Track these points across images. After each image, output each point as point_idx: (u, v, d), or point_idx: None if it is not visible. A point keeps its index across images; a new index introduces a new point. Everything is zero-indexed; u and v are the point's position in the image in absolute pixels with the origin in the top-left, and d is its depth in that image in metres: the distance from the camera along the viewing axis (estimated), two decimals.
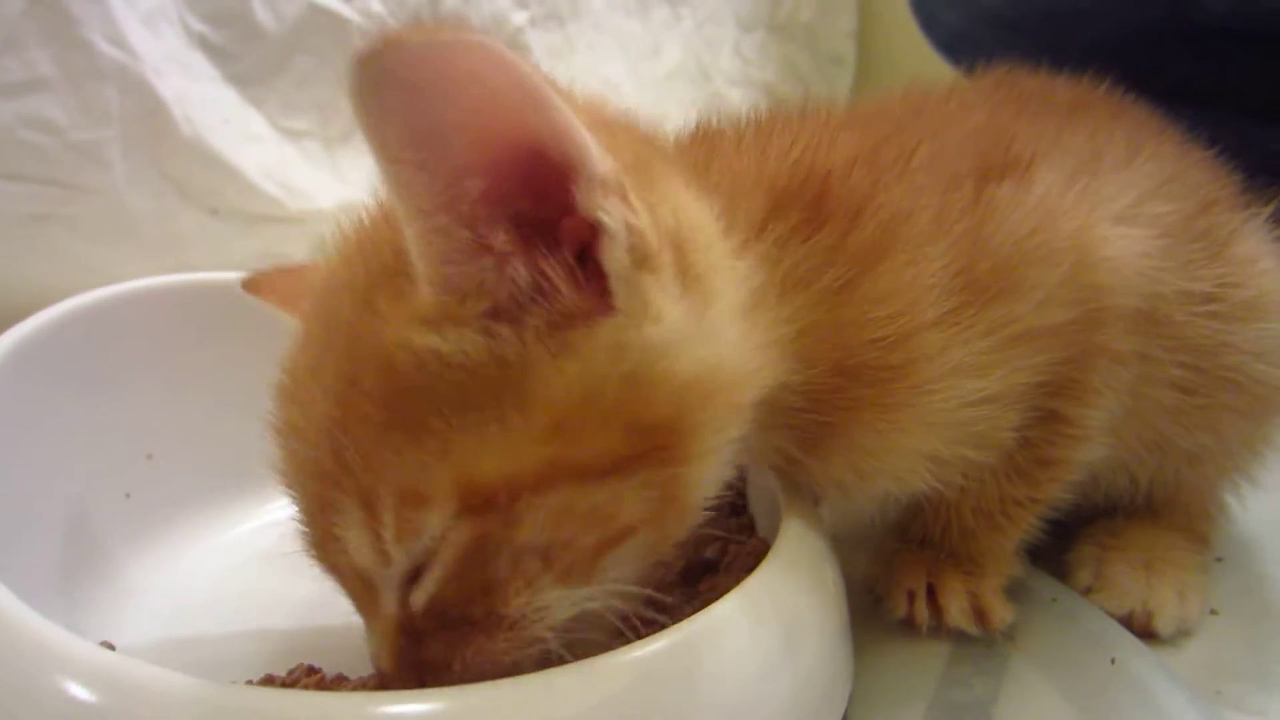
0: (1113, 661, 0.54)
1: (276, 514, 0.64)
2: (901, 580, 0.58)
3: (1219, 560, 0.68)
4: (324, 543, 0.41)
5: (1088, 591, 0.62)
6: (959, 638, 0.57)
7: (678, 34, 1.68)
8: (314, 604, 0.54)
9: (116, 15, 0.96)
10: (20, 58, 0.93)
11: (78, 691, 0.35)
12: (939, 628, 0.57)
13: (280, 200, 1.12)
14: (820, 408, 0.47)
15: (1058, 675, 0.55)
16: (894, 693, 0.53)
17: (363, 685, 0.46)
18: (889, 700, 0.53)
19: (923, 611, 0.57)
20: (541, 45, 1.46)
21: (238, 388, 0.62)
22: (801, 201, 0.46)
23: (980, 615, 0.57)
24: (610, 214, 0.36)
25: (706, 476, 0.42)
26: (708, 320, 0.41)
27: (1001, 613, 0.57)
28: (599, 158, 0.36)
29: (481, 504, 0.37)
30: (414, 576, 0.39)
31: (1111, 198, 0.54)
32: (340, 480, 0.38)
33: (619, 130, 0.42)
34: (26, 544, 0.50)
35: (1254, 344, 0.59)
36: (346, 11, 1.18)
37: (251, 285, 0.55)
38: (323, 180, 1.20)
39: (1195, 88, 1.06)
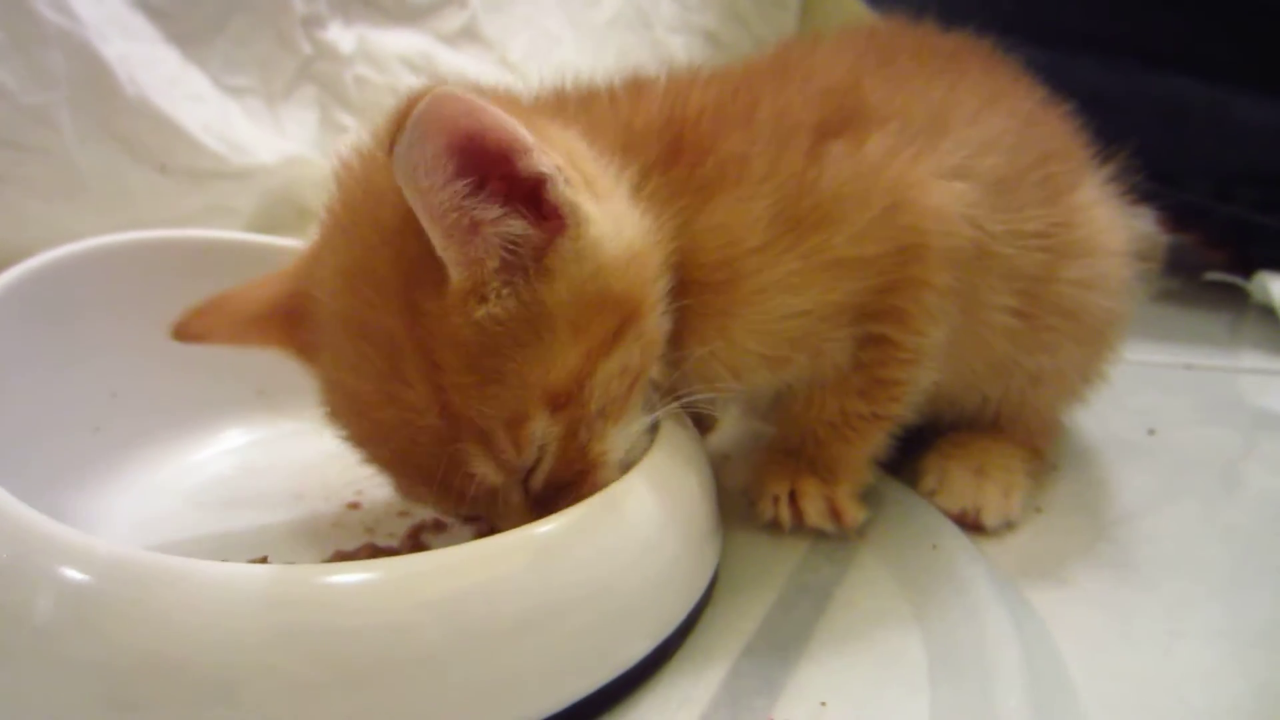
0: (934, 547, 0.64)
1: (229, 443, 0.76)
2: (768, 486, 0.66)
3: (1055, 469, 0.78)
4: (450, 488, 0.51)
5: (931, 494, 0.71)
6: (817, 535, 0.67)
7: None
8: (263, 516, 0.66)
9: None
10: None
11: (75, 573, 0.43)
12: (800, 527, 0.66)
13: (225, 156, 1.16)
14: (679, 316, 0.57)
15: (891, 561, 0.65)
16: (755, 578, 0.63)
17: None
18: (750, 584, 0.63)
19: (785, 513, 0.65)
20: None
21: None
22: (660, 142, 0.56)
23: (836, 515, 0.66)
24: (544, 165, 0.48)
25: (657, 320, 0.55)
26: (612, 213, 0.52)
27: (854, 513, 0.66)
28: (525, 135, 0.48)
29: (563, 401, 0.50)
30: (530, 471, 0.52)
31: (946, 153, 0.61)
32: (459, 435, 0.49)
33: (518, 107, 0.55)
34: (8, 472, 0.57)
35: (1082, 277, 0.68)
36: None
37: (185, 334, 0.60)
38: (265, 136, 1.24)
39: (1090, 35, 1.14)
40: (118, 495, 0.66)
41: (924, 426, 0.73)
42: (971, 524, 0.69)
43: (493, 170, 0.47)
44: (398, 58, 1.46)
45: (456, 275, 0.48)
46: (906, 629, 0.58)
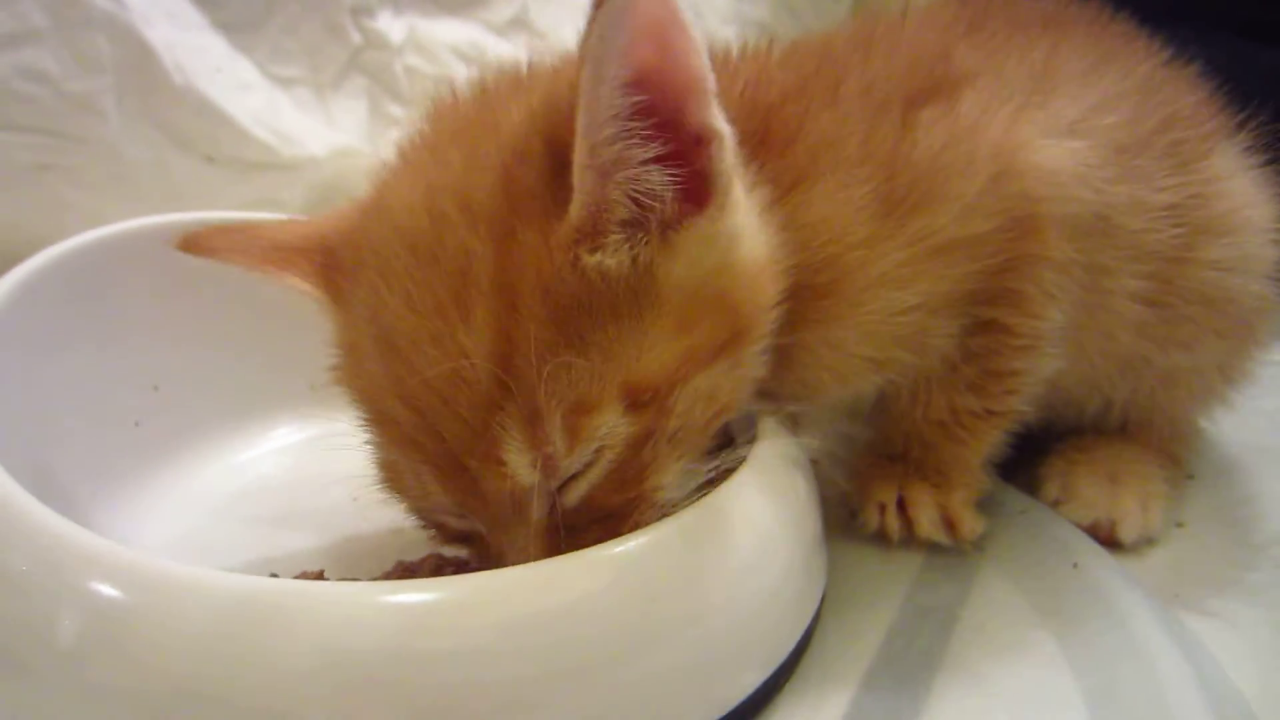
0: (1074, 566, 0.56)
1: (278, 442, 0.70)
2: (873, 494, 0.61)
3: (1190, 478, 0.70)
4: (461, 477, 0.43)
5: (1056, 504, 0.64)
6: (931, 548, 0.60)
7: None
8: (315, 522, 0.61)
9: None
10: (10, 9, 0.93)
11: (106, 588, 0.37)
12: (911, 539, 0.60)
13: (273, 147, 1.12)
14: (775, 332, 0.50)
15: (1022, 580, 0.57)
16: (866, 596, 0.56)
17: None
18: (861, 603, 0.56)
19: (893, 522, 0.60)
20: None
21: (237, 323, 0.66)
22: (744, 131, 0.48)
23: (950, 526, 0.59)
24: (720, 121, 0.42)
25: (757, 355, 0.48)
26: (750, 211, 0.46)
27: (971, 523, 0.59)
28: (712, 78, 0.41)
29: (644, 400, 0.42)
30: (569, 480, 0.43)
31: (1055, 110, 0.54)
32: (503, 406, 0.41)
33: None
34: (39, 470, 0.52)
35: (1224, 258, 0.60)
36: None
37: (190, 246, 0.52)
38: (314, 127, 1.20)
39: (1190, 7, 1.06)
40: (158, 497, 0.60)
41: (1038, 433, 0.66)
42: (1104, 538, 0.62)
43: (663, 104, 0.40)
44: (448, 48, 1.42)
45: (578, 210, 0.41)
46: (1051, 661, 0.50)
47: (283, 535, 0.58)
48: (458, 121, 0.48)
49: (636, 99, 0.39)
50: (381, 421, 0.46)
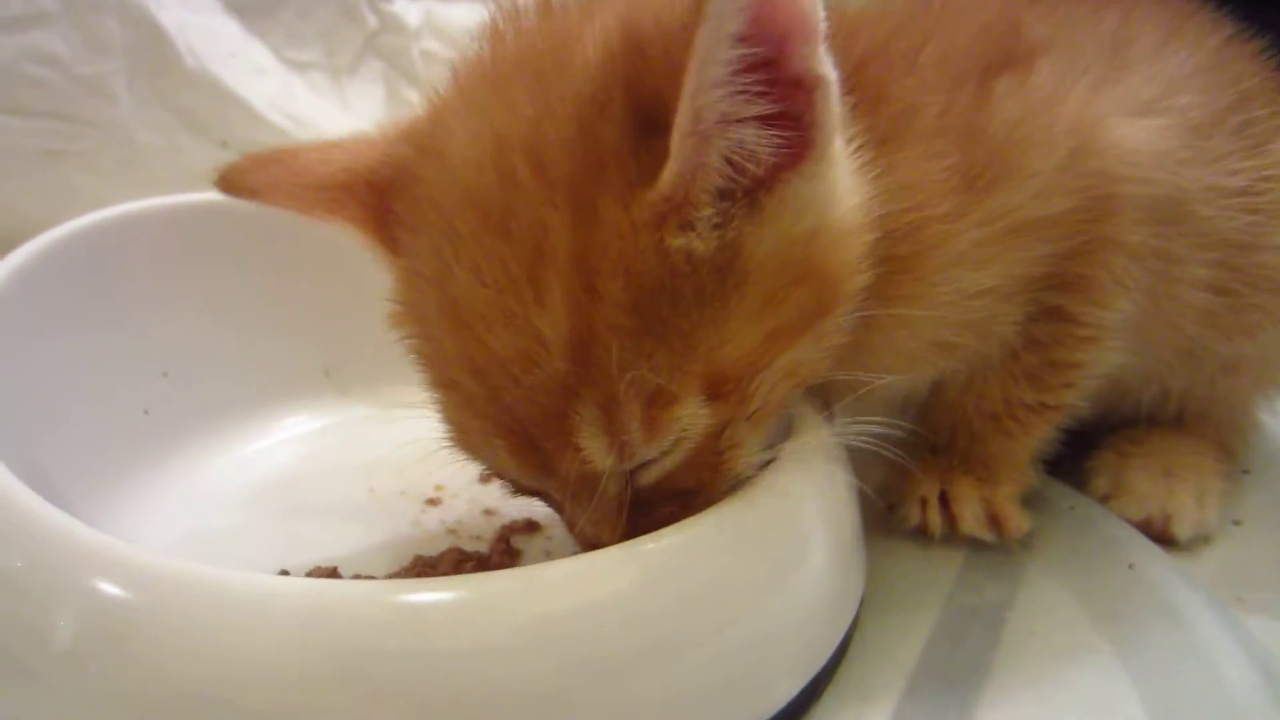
0: (1130, 566, 0.53)
1: (293, 430, 0.67)
2: (914, 487, 0.58)
3: (1246, 473, 0.67)
4: (536, 455, 0.40)
5: (1105, 499, 0.61)
6: (973, 546, 0.57)
7: None
8: (330, 514, 0.58)
9: None
10: None
11: (110, 586, 0.35)
12: (953, 536, 0.57)
13: (289, 132, 1.09)
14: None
15: (1073, 581, 0.54)
16: (907, 597, 0.53)
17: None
18: (902, 604, 0.52)
19: (935, 518, 0.57)
20: None
21: (250, 306, 0.64)
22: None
23: (995, 522, 0.56)
24: (826, 65, 0.38)
25: (840, 324, 0.44)
26: (847, 166, 0.43)
27: (1017, 520, 0.56)
28: (821, 18, 0.37)
29: (725, 390, 0.40)
30: (645, 463, 0.41)
31: (1131, 87, 0.52)
32: (580, 392, 0.38)
33: None
34: (46, 458, 0.50)
35: None
36: None
37: (229, 184, 0.47)
38: (330, 111, 1.18)
39: None
40: (166, 488, 0.58)
41: (1087, 427, 0.62)
42: (1157, 534, 0.58)
43: (769, 50, 0.36)
44: (466, 32, 1.40)
45: (671, 179, 0.37)
46: (1109, 668, 0.47)
47: (295, 529, 0.56)
48: (522, 51, 0.43)
49: (748, 51, 0.35)
50: (450, 387, 0.42)
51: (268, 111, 1.09)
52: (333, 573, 0.47)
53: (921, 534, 0.57)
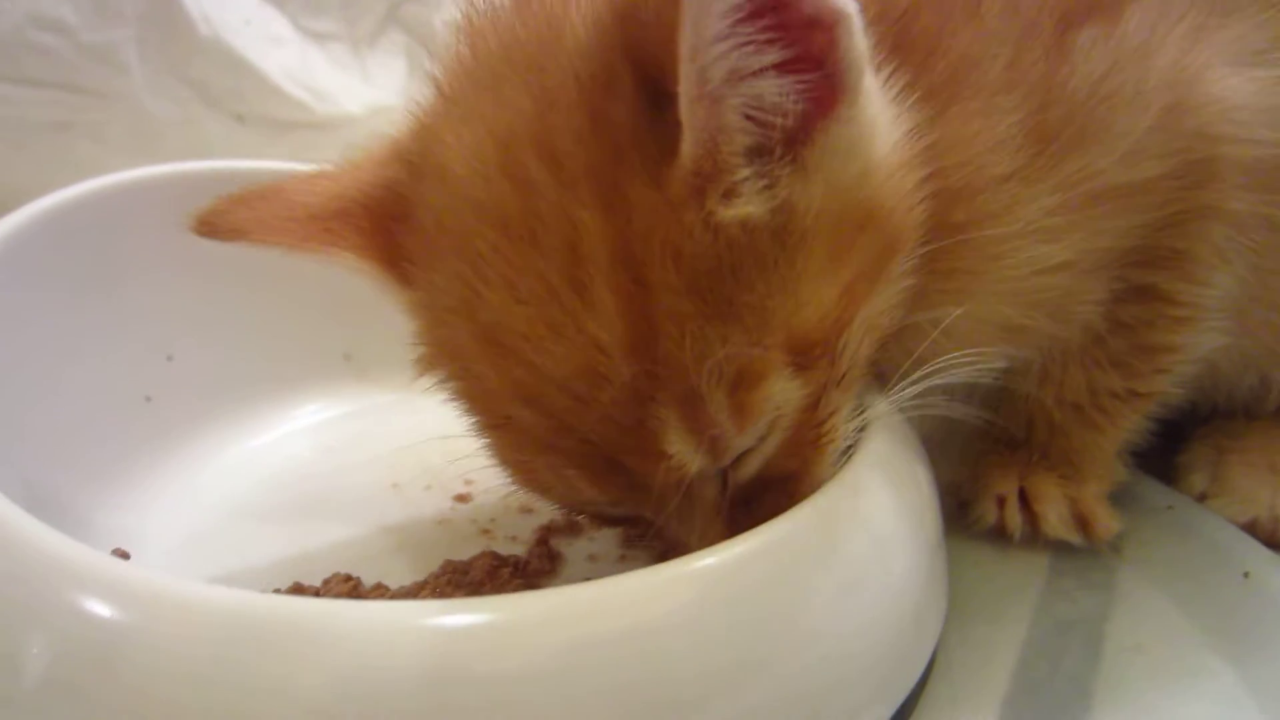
0: (1245, 575, 0.47)
1: (308, 419, 0.63)
2: (990, 484, 0.54)
3: None
4: (618, 477, 0.37)
5: (1202, 498, 0.56)
6: (1057, 549, 0.52)
7: None
8: (349, 513, 0.54)
9: None
10: None
11: (93, 606, 0.31)
12: (1034, 537, 0.52)
13: (308, 104, 1.08)
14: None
15: (1176, 589, 0.49)
16: (990, 608, 0.48)
17: (404, 595, 0.42)
18: (985, 615, 0.47)
19: (1015, 518, 0.52)
20: None
21: (263, 283, 0.59)
22: (876, 37, 0.41)
23: (1082, 523, 0.52)
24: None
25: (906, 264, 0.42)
26: (884, 98, 0.40)
27: (1107, 520, 0.52)
28: None
29: (813, 356, 0.37)
30: (740, 456, 0.38)
31: (1237, 34, 0.46)
32: (655, 395, 0.35)
33: None
34: (39, 447, 0.47)
35: None
36: None
37: (209, 228, 0.43)
38: (350, 84, 1.15)
39: None
40: (169, 483, 0.53)
41: (1178, 417, 0.57)
42: (1265, 538, 0.53)
43: None
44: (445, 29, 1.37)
45: (692, 149, 0.33)
46: (1230, 693, 0.42)
47: (311, 529, 0.51)
48: (506, 44, 0.39)
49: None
50: (503, 426, 0.39)
51: (285, 83, 1.06)
52: (352, 584, 0.42)
53: (998, 535, 0.53)
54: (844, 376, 0.39)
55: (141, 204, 0.56)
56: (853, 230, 0.37)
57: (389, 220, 0.42)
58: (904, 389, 0.43)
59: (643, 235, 0.34)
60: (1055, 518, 0.52)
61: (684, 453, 0.36)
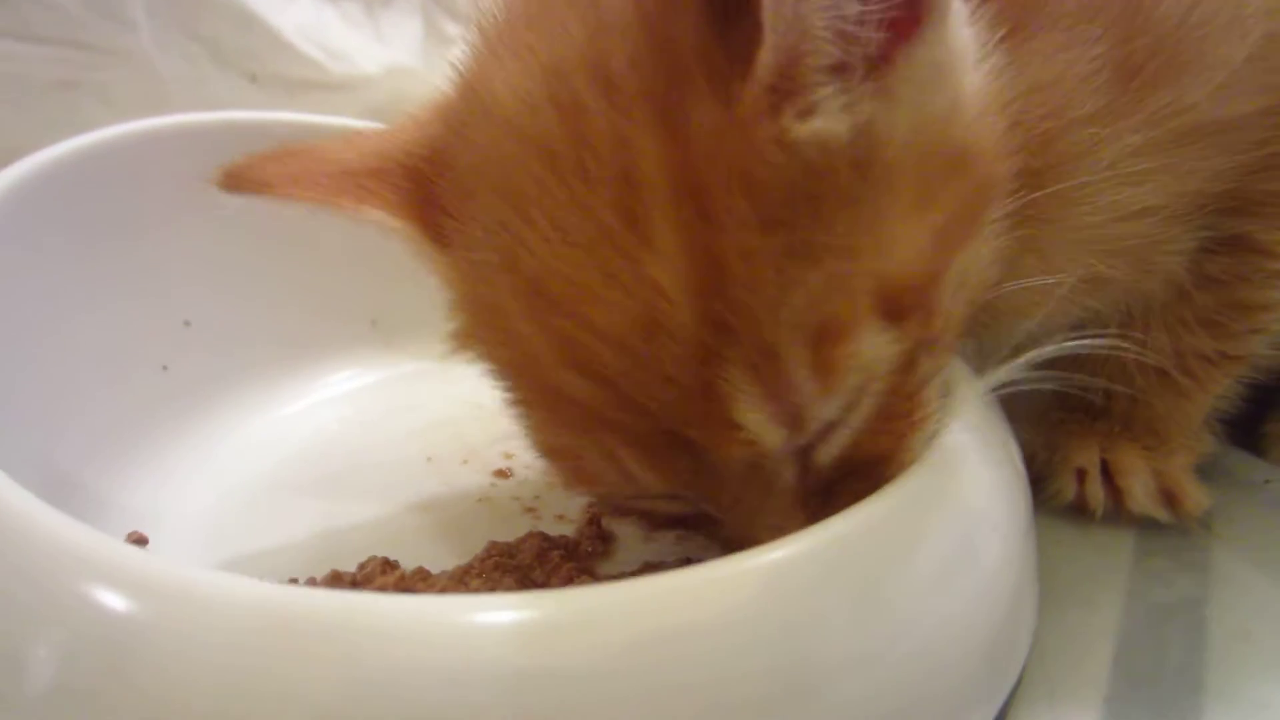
0: None
1: (334, 389, 0.59)
2: (1069, 456, 0.51)
3: None
4: (680, 456, 0.33)
5: None
6: (1142, 527, 0.49)
7: None
8: (381, 489, 0.50)
9: None
10: None
11: (109, 598, 0.27)
12: (1117, 513, 0.49)
13: (322, 64, 1.05)
14: None
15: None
16: (1078, 591, 0.44)
17: (450, 580, 0.38)
18: (1074, 600, 0.44)
19: (1098, 493, 0.49)
20: None
21: (285, 245, 0.55)
22: None
23: (1170, 498, 0.49)
24: None
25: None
26: (969, 28, 0.36)
27: (1196, 495, 0.49)
28: None
29: (906, 306, 0.33)
30: (825, 430, 0.34)
31: None
32: (723, 352, 0.31)
33: None
34: (49, 421, 0.43)
35: None
36: None
37: (235, 182, 0.40)
38: (365, 45, 1.12)
39: None
40: (186, 456, 0.50)
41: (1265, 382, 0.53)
42: None
43: None
44: None
45: (771, 58, 0.29)
46: None
47: (341, 508, 0.47)
48: None
49: None
50: (547, 400, 0.35)
51: (298, 41, 1.03)
52: (397, 574, 0.38)
53: (1077, 511, 0.50)
54: (938, 337, 0.35)
55: (154, 157, 0.52)
56: (943, 170, 0.34)
57: (429, 180, 0.38)
58: (998, 367, 0.39)
59: (708, 160, 0.30)
60: (1142, 492, 0.49)
61: (758, 423, 0.32)
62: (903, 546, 0.33)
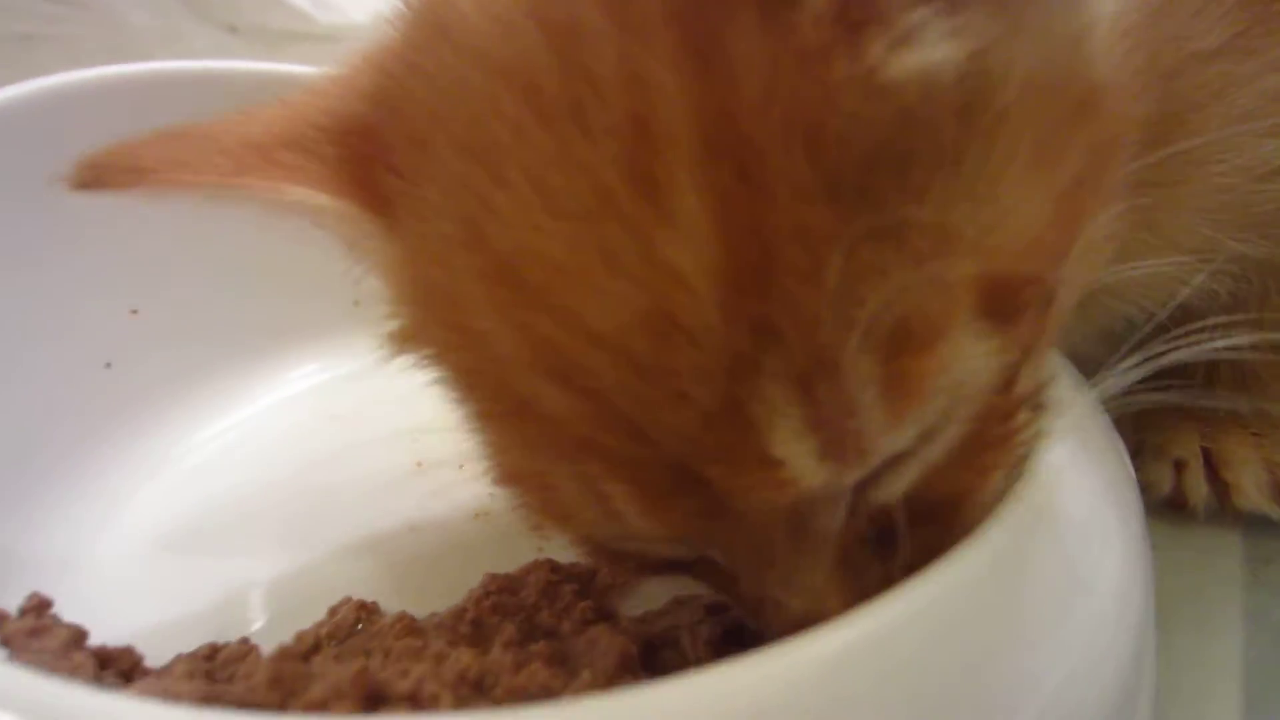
0: None
1: (305, 383, 0.54)
2: (1165, 445, 0.47)
3: None
4: (689, 493, 0.26)
5: None
6: (1248, 527, 0.45)
7: None
8: (361, 504, 0.44)
9: None
10: None
11: None
12: (1222, 511, 0.45)
13: (307, 13, 1.04)
14: None
15: None
16: (1188, 609, 0.39)
17: (441, 629, 0.32)
18: (1185, 620, 0.38)
19: (1201, 487, 0.45)
20: None
21: (245, 222, 0.49)
22: None
23: None
24: None
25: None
26: None
27: None
28: None
29: (1018, 305, 0.27)
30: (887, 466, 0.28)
31: None
32: (760, 362, 0.24)
33: None
34: None
35: None
36: None
37: (96, 175, 0.31)
38: None
39: None
40: (134, 467, 0.45)
41: None
42: None
43: None
44: None
45: None
46: None
47: (313, 528, 0.42)
48: None
49: None
50: (514, 415, 0.28)
51: None
52: (365, 608, 0.32)
53: (1175, 507, 0.45)
54: (1047, 343, 0.29)
55: (105, 111, 0.46)
56: (1068, 113, 0.27)
57: (369, 144, 0.30)
58: (1112, 373, 0.33)
59: (756, 105, 0.23)
60: (1252, 486, 0.45)
61: (801, 458, 0.25)
62: (985, 614, 0.27)
